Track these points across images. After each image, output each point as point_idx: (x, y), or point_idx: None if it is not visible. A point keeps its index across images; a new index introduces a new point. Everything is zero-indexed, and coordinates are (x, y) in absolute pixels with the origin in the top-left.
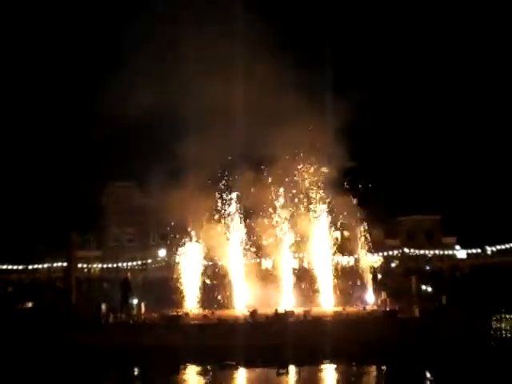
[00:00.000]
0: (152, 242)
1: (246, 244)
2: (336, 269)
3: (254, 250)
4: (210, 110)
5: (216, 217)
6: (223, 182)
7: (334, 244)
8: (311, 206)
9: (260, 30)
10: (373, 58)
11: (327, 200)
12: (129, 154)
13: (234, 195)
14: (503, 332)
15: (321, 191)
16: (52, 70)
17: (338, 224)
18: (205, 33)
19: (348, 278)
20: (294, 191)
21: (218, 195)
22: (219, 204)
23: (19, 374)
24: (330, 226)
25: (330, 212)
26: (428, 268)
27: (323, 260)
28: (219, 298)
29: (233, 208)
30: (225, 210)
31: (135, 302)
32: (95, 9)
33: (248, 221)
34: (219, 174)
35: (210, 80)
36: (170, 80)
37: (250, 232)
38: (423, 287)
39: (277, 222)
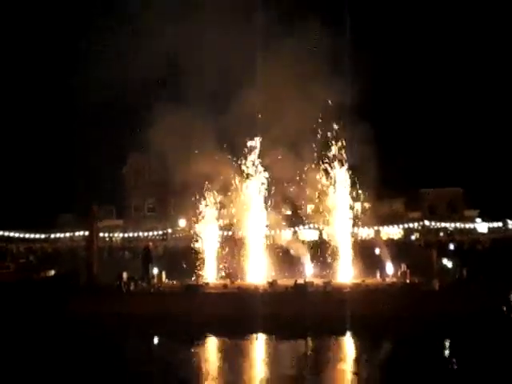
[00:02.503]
0: (172, 212)
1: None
2: (355, 240)
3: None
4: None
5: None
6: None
7: (354, 216)
8: (332, 175)
9: None
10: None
11: (348, 171)
12: (150, 122)
13: (254, 158)
14: None
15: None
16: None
17: (359, 195)
18: None
19: (368, 250)
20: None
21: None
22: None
23: (41, 340)
24: (351, 197)
25: (351, 183)
26: (451, 244)
27: (343, 231)
28: (237, 268)
29: (253, 171)
30: (245, 176)
31: (156, 271)
32: None
33: (267, 190)
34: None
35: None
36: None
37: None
38: (444, 261)
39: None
